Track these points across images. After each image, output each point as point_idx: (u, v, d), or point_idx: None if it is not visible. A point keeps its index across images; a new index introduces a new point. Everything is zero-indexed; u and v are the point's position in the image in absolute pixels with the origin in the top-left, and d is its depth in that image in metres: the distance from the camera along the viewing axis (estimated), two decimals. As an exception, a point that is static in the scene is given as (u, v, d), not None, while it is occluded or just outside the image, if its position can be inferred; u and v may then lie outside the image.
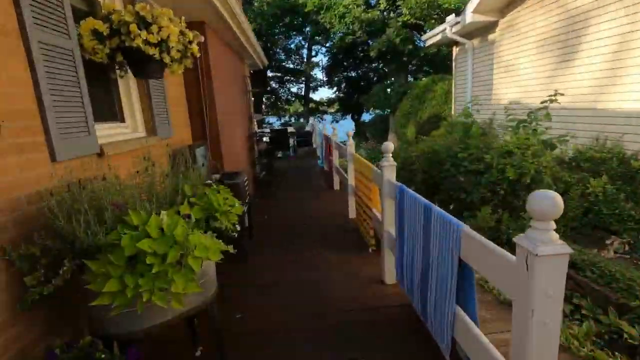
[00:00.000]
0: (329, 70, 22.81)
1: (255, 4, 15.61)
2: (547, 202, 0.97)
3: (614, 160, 3.92)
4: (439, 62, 11.66)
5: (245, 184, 3.64)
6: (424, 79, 11.18)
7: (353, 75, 22.45)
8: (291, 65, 24.44)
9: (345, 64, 21.79)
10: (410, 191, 2.16)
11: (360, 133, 17.63)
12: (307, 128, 12.04)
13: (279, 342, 2.17)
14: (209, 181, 3.44)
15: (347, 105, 22.83)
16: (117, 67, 2.34)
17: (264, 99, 25.10)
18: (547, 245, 0.98)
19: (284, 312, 2.49)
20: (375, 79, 21.57)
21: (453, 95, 8.98)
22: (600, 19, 4.54)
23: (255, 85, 7.07)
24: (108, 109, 2.60)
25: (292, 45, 23.52)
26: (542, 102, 4.22)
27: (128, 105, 2.75)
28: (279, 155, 10.68)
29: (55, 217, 1.32)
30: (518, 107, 5.68)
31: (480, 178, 3.99)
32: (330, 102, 26.88)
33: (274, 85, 25.14)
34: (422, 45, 11.32)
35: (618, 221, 3.50)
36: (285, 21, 15.57)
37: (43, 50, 1.65)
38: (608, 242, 3.45)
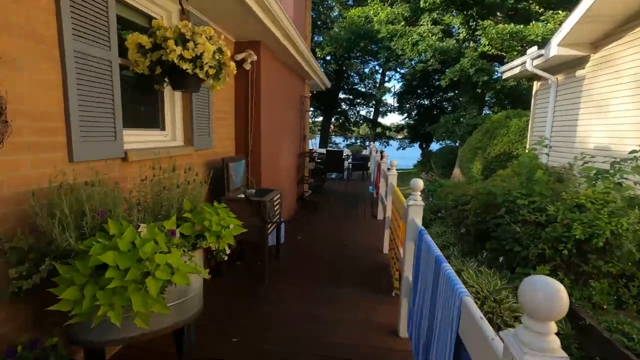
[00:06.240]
0: (401, 96, 22.52)
1: (335, 29, 16.15)
2: (542, 295, 0.70)
3: None
4: (518, 96, 10.69)
5: (276, 203, 3.60)
6: (498, 113, 10.35)
7: (426, 103, 21.84)
8: (363, 89, 24.65)
9: (419, 91, 21.31)
10: (428, 237, 1.88)
11: (426, 163, 16.88)
12: (365, 152, 11.83)
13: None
14: (242, 195, 3.47)
15: (416, 132, 22.16)
16: (157, 79, 2.48)
17: (332, 119, 25.62)
18: (536, 357, 0.71)
19: (281, 344, 2.32)
20: (449, 108, 20.68)
21: (529, 133, 8.12)
22: None
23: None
24: (151, 116, 2.77)
25: (367, 70, 23.81)
26: (630, 152, 3.53)
27: (170, 115, 2.91)
28: (333, 176, 10.62)
29: (37, 216, 1.37)
30: (606, 154, 4.88)
31: (540, 231, 3.43)
32: (398, 128, 26.42)
33: (344, 106, 25.54)
34: (499, 77, 10.54)
35: None
36: (361, 46, 15.83)
37: (78, 59, 1.79)
38: None
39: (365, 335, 2.48)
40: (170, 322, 1.61)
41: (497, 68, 10.69)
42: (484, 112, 12.91)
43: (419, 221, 2.28)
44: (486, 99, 13.30)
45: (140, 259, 1.32)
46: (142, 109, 2.71)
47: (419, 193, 2.34)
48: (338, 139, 31.34)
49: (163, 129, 2.87)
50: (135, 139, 2.45)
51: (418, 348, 1.83)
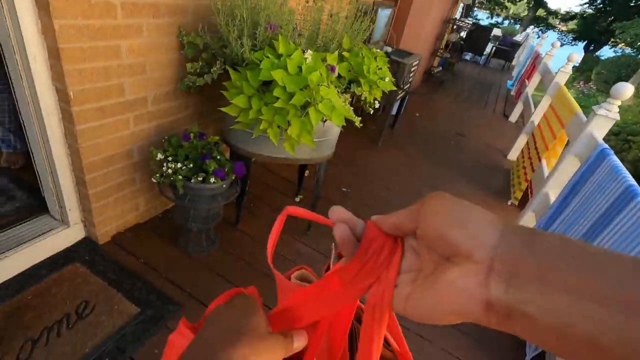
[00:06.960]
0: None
1: None
2: None
3: None
4: None
5: (412, 69, 3.23)
6: None
7: (628, -14, 15.89)
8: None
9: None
10: (615, 159, 1.51)
11: (585, 71, 13.44)
12: (518, 37, 9.59)
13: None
14: (379, 50, 3.16)
15: (590, 28, 17.06)
16: None
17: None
18: None
19: (384, 209, 2.40)
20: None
21: None
22: None
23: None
24: None
25: None
26: None
27: None
28: (467, 57, 9.12)
29: (218, 13, 1.34)
30: None
31: None
32: (567, 16, 20.51)
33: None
34: None
35: None
36: None
37: None
38: None
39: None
40: (307, 156, 1.68)
41: None
42: None
43: (600, 137, 1.83)
44: None
45: (306, 86, 1.27)
46: None
47: (619, 103, 1.80)
48: (481, 14, 25.80)
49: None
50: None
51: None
